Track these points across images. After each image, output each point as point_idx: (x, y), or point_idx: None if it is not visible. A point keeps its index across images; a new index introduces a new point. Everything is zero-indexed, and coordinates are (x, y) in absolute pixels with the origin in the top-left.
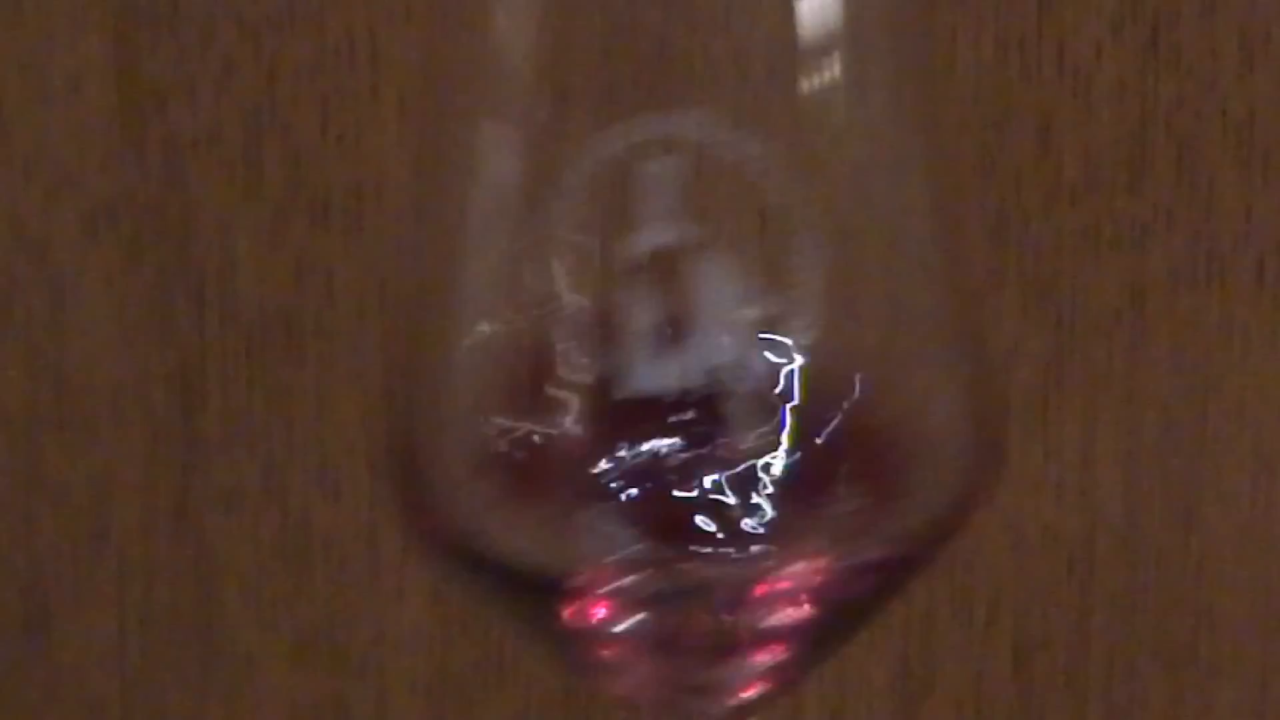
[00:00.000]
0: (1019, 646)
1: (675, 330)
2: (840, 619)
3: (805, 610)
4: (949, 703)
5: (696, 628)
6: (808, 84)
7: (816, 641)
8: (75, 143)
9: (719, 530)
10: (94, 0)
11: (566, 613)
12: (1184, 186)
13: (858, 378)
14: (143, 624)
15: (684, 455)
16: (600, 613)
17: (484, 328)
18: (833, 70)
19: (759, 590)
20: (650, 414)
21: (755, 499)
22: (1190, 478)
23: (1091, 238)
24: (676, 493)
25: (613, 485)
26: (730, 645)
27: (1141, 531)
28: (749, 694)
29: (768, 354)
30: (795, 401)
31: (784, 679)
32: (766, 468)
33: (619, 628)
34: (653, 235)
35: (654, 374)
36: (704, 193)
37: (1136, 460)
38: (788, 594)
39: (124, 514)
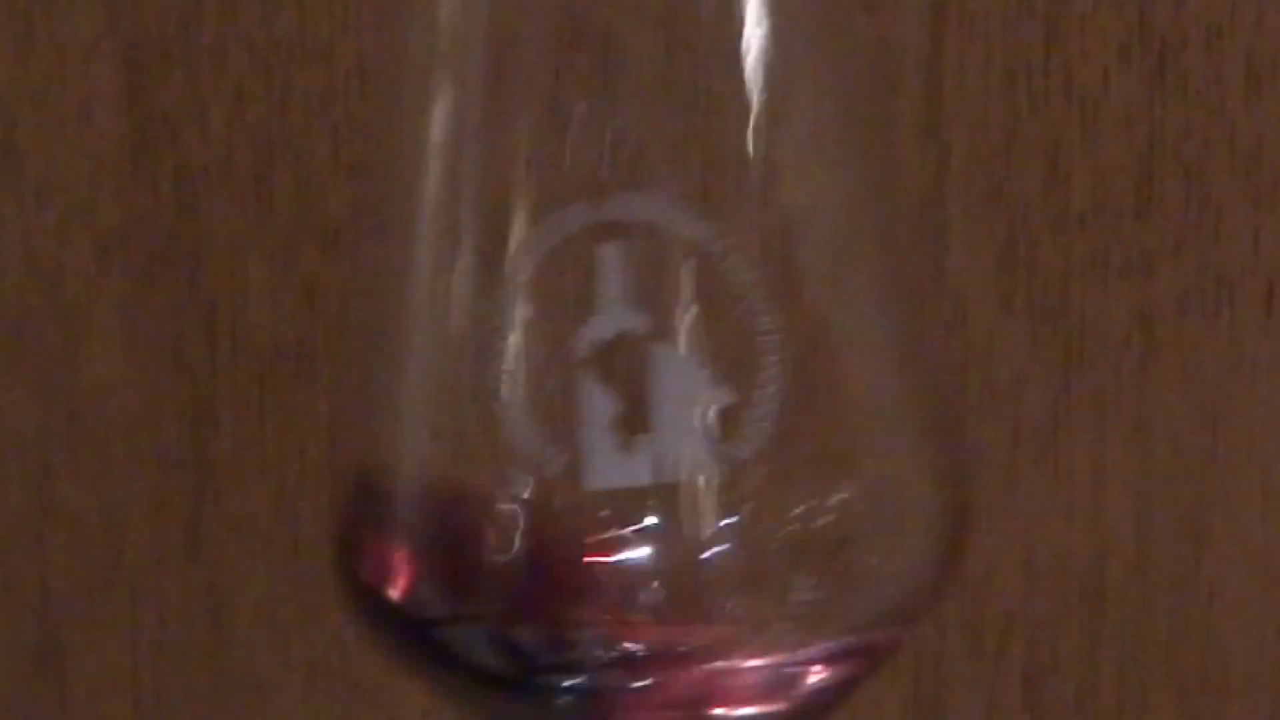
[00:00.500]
0: (1029, 672)
1: (631, 424)
2: (805, 710)
3: (769, 706)
4: None
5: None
6: (767, 167)
7: None
8: (86, 171)
9: (677, 630)
10: (105, 29)
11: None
12: (1192, 213)
13: (819, 471)
14: (155, 653)
15: (638, 554)
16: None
17: (429, 423)
18: (792, 150)
19: (717, 690)
20: (605, 509)
21: (712, 598)
22: (1200, 503)
23: (1099, 264)
24: (632, 594)
25: (564, 587)
26: None
27: (1152, 557)
28: None
29: (727, 448)
30: (752, 497)
31: None
32: (723, 565)
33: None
34: (606, 323)
35: (609, 469)
36: (659, 278)
37: (1146, 486)
38: (748, 692)
39: (136, 542)
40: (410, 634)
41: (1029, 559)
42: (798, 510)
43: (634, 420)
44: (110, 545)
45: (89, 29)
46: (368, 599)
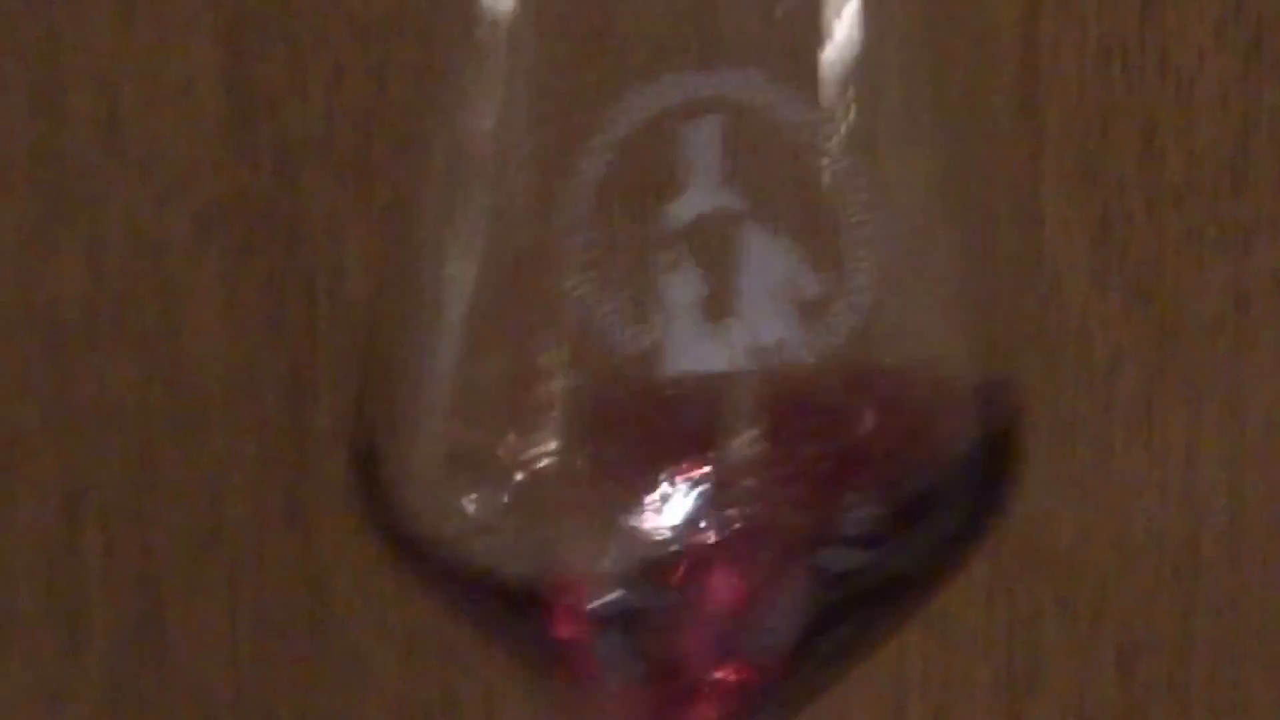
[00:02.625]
0: (1123, 648)
1: (713, 307)
2: (822, 638)
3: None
4: (1053, 704)
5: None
6: (869, 56)
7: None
8: (188, 145)
9: (721, 527)
10: (206, 5)
11: (550, 623)
12: None
13: (887, 365)
14: (255, 621)
15: (706, 446)
16: (583, 623)
17: (507, 305)
18: (895, 44)
19: (746, 603)
20: (677, 396)
21: (759, 497)
22: None
23: (1195, 241)
24: (688, 481)
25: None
26: (731, 650)
27: (1246, 533)
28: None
29: (809, 335)
30: (829, 391)
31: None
32: (770, 461)
33: (603, 637)
34: (691, 203)
35: (687, 351)
36: (744, 159)
37: (1241, 462)
38: (774, 606)
39: (236, 512)
40: (437, 545)
41: (1123, 535)
42: (870, 407)
43: (716, 305)
44: (210, 515)
45: (190, 4)
46: (389, 492)
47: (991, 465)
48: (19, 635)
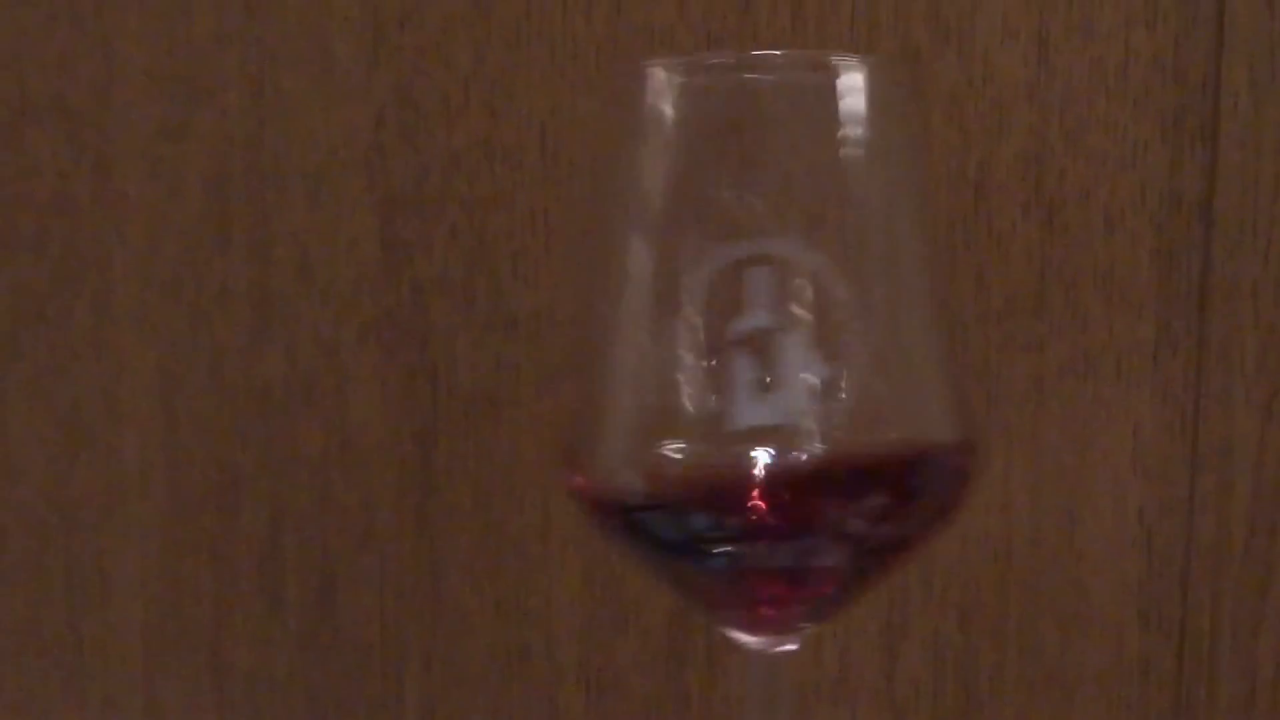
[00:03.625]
0: (962, 609)
1: (763, 384)
2: (856, 566)
3: (827, 560)
4: (916, 646)
5: (762, 572)
6: (855, 222)
7: (834, 583)
8: (354, 281)
9: (776, 515)
10: (366, 189)
11: (685, 563)
12: None
13: (879, 420)
14: (396, 595)
15: (763, 468)
16: (707, 560)
17: (633, 383)
18: (872, 214)
19: (796, 544)
20: (745, 440)
21: (801, 492)
22: None
23: (1009, 344)
24: (756, 500)
25: (718, 483)
26: (786, 580)
27: (1041, 536)
28: (797, 617)
29: (821, 402)
30: (837, 433)
31: (817, 605)
32: (812, 471)
33: (717, 569)
34: (750, 320)
35: (749, 413)
36: (784, 292)
37: (1039, 489)
38: (816, 545)
39: (384, 523)
40: (620, 519)
41: (962, 535)
42: (868, 442)
43: (765, 383)
44: (367, 524)
45: (356, 188)
46: (589, 483)
47: (961, 473)
48: (240, 604)
